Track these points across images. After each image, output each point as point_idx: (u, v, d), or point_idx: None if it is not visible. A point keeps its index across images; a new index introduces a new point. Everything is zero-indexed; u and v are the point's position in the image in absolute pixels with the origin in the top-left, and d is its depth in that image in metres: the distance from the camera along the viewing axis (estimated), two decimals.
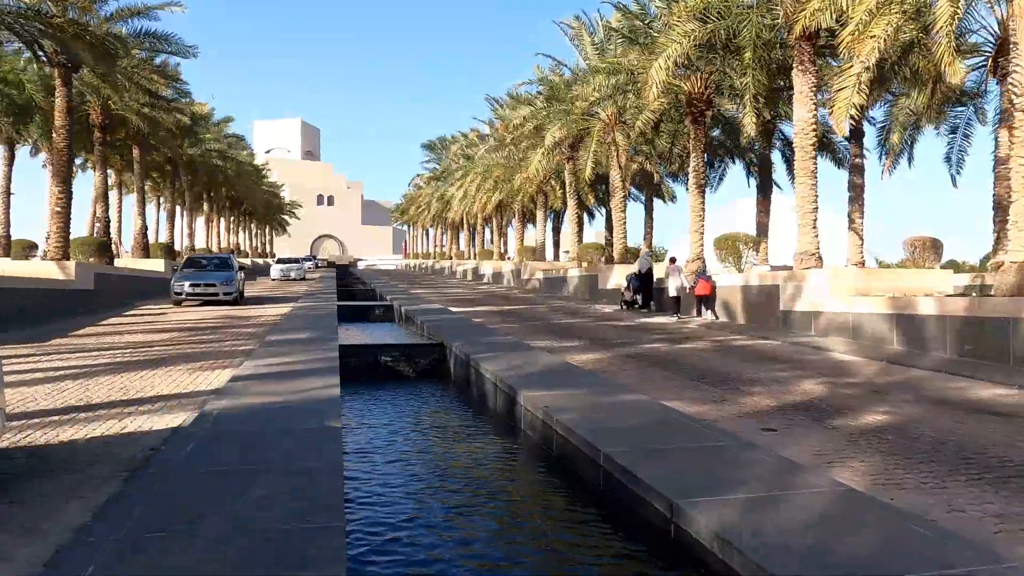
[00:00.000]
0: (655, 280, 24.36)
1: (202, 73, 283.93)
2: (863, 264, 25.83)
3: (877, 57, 13.61)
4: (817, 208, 18.67)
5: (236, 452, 5.66)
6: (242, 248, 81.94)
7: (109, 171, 45.38)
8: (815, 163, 18.70)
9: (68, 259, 26.58)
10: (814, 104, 18.47)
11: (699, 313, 20.92)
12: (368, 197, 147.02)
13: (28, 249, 36.19)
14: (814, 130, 18.53)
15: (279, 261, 49.64)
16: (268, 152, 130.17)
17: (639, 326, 19.07)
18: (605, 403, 7.66)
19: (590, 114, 31.74)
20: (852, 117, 17.72)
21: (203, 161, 44.80)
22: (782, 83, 23.36)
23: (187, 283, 24.11)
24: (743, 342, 15.26)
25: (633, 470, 5.23)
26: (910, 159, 25.98)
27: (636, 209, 51.62)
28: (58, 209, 26.55)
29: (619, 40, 27.39)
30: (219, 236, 66.71)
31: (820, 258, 18.58)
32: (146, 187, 52.46)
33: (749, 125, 19.60)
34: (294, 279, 44.49)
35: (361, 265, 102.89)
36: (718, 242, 22.64)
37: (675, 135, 29.67)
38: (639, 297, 23.90)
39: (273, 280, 44.48)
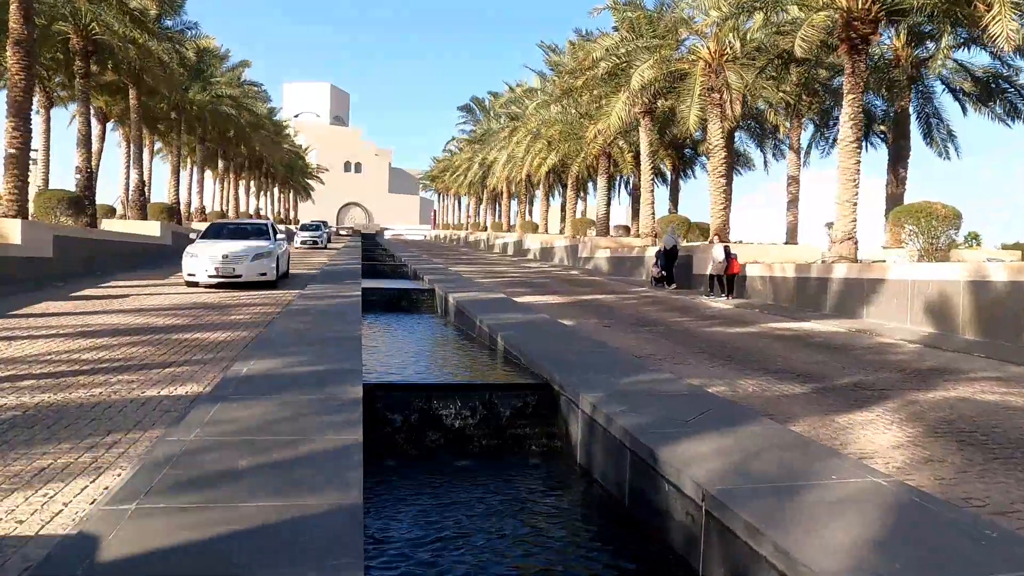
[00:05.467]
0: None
1: (232, 36, 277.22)
2: None
3: None
4: None
5: None
6: (262, 213, 76.33)
7: (115, 124, 39.59)
8: None
9: (27, 217, 20.80)
10: None
11: (724, 291, 19.62)
12: (395, 165, 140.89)
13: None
14: None
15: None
16: (297, 116, 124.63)
17: (806, 336, 12.70)
18: None
19: (683, 52, 25.13)
20: None
21: (212, 109, 38.64)
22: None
23: None
24: None
25: None
26: None
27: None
28: (12, 151, 20.56)
29: None
30: (236, 199, 60.95)
31: None
32: (155, 141, 46.72)
33: (1003, 39, 12.79)
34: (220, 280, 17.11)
35: (387, 234, 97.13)
36: (898, 216, 16.05)
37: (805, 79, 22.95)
38: (665, 273, 22.98)
39: None
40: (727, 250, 19.92)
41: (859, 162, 18.44)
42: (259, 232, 19.16)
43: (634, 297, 19.95)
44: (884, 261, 18.06)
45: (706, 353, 10.55)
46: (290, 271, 20.96)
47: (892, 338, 12.78)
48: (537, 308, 15.21)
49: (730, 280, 19.61)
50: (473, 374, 9.59)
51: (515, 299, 16.71)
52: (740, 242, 26.15)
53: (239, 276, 16.56)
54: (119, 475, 4.56)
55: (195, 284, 16.84)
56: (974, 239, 33.15)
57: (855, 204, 18.45)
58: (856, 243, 18.48)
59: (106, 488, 4.33)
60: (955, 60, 24.10)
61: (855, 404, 7.47)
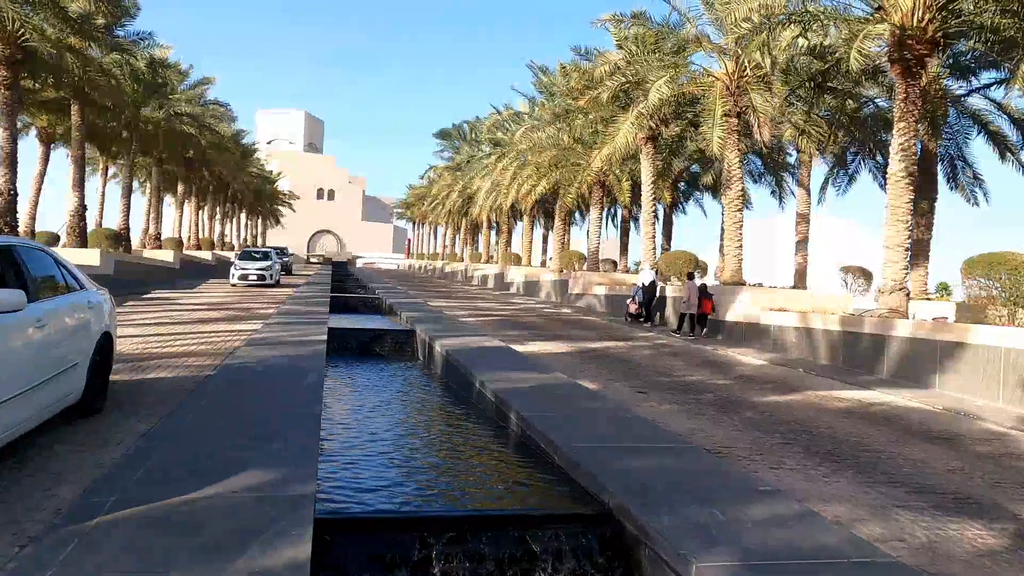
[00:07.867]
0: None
1: (206, 64, 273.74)
2: None
3: None
4: None
5: None
6: (227, 240, 72.68)
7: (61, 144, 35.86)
8: None
9: None
10: None
11: (693, 330, 19.51)
12: (369, 193, 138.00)
13: None
14: None
15: None
16: (270, 143, 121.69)
17: (892, 416, 10.00)
18: None
19: (695, 72, 22.85)
20: None
21: (168, 127, 35.47)
22: None
23: None
24: None
25: None
26: None
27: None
28: None
29: None
30: (197, 224, 57.34)
31: None
32: (110, 165, 43.15)
33: None
34: None
35: (360, 263, 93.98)
36: (973, 266, 13.52)
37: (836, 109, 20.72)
38: (643, 311, 22.48)
39: None
40: (703, 288, 19.71)
41: (912, 200, 16.01)
42: None
43: (647, 345, 17.16)
44: (946, 318, 15.56)
45: (795, 444, 7.74)
46: (112, 377, 7.59)
47: (997, 423, 10.08)
48: (544, 361, 12.36)
49: (700, 319, 19.51)
50: (485, 487, 6.54)
51: (513, 346, 13.86)
52: (760, 285, 23.62)
53: None
54: None
55: None
56: (944, 289, 29.96)
57: (907, 249, 15.95)
58: (908, 294, 15.95)
59: None
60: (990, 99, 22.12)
61: None
